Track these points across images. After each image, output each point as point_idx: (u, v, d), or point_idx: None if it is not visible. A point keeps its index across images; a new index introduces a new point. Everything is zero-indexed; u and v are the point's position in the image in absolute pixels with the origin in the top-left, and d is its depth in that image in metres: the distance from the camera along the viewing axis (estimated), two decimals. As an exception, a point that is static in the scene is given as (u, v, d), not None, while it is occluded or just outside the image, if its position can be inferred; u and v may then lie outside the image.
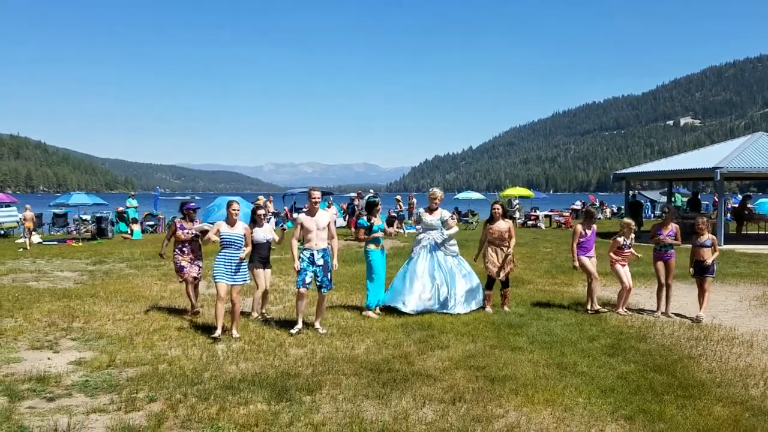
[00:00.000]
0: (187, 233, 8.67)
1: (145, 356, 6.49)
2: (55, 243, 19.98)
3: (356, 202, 25.23)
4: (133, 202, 25.82)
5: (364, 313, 8.58)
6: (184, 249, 8.69)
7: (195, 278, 8.71)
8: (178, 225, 8.72)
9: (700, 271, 8.60)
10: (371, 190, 31.63)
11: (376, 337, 7.29)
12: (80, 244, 19.67)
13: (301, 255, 7.58)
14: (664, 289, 8.77)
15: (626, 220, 9.18)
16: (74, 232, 22.58)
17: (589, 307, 8.85)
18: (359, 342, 7.09)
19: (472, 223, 27.77)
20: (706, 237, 8.64)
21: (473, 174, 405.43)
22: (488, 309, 8.85)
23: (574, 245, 8.93)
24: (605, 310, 8.84)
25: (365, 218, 8.84)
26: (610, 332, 7.66)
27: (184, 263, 8.65)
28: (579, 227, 9.02)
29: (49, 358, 6.44)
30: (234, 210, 7.49)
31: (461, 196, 37.45)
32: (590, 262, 8.91)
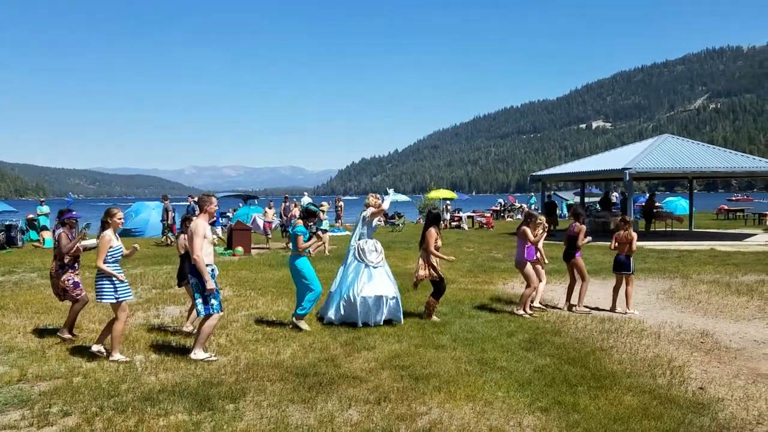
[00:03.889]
0: (80, 246, 7.66)
1: (59, 369, 6.20)
2: (-43, 254, 18.70)
3: (286, 204, 24.88)
4: (45, 209, 24.53)
5: (296, 320, 7.89)
6: (76, 264, 7.63)
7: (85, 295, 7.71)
8: (70, 238, 7.52)
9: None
10: (305, 193, 31.25)
11: (302, 342, 7.26)
12: (-15, 254, 18.51)
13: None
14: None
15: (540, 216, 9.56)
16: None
17: (525, 310, 8.82)
18: (285, 347, 7.05)
19: (398, 225, 28.04)
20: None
21: (399, 176, 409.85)
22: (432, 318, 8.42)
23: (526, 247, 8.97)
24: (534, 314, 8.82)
25: (303, 225, 8.07)
26: (527, 327, 7.96)
27: (76, 279, 7.59)
28: (528, 229, 9.05)
29: (-48, 376, 6.06)
30: (120, 219, 6.80)
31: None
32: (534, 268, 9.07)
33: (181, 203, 24.12)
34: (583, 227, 9.24)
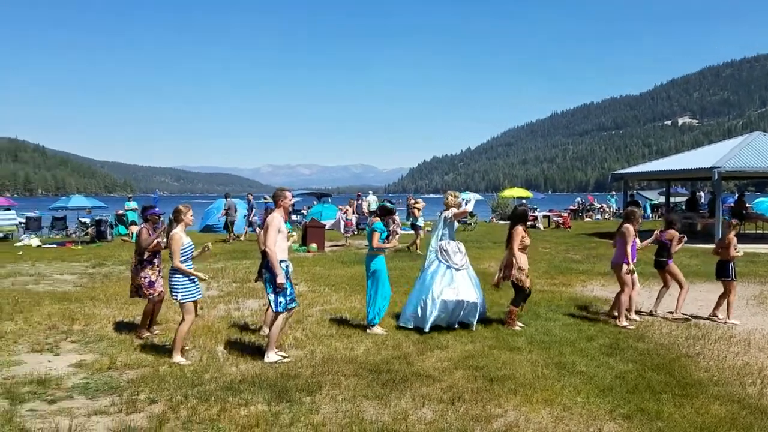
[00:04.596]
0: (161, 243, 7.66)
1: (146, 358, 6.51)
2: (54, 246, 19.97)
3: (358, 202, 25.14)
4: (132, 205, 25.83)
5: (369, 330, 7.65)
6: (155, 261, 7.69)
7: (162, 292, 7.70)
8: (151, 233, 7.61)
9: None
10: (370, 192, 31.54)
11: (375, 338, 7.32)
12: (79, 247, 19.68)
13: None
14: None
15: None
16: (74, 235, 22.58)
17: (623, 320, 8.14)
18: (358, 343, 7.12)
19: (470, 224, 27.75)
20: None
21: (471, 175, 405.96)
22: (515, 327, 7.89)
23: (629, 248, 8.14)
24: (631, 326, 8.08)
25: (381, 222, 7.88)
26: (609, 332, 7.70)
27: (154, 277, 7.61)
28: (631, 227, 8.22)
29: (49, 361, 6.46)
30: (191, 217, 6.73)
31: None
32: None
33: (242, 200, 24.64)
34: (677, 234, 8.67)
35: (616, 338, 7.37)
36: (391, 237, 7.95)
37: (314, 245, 18.04)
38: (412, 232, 18.53)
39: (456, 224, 8.26)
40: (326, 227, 20.15)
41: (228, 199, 22.05)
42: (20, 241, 21.26)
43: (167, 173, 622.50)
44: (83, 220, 22.79)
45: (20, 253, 17.85)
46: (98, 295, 10.31)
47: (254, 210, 22.42)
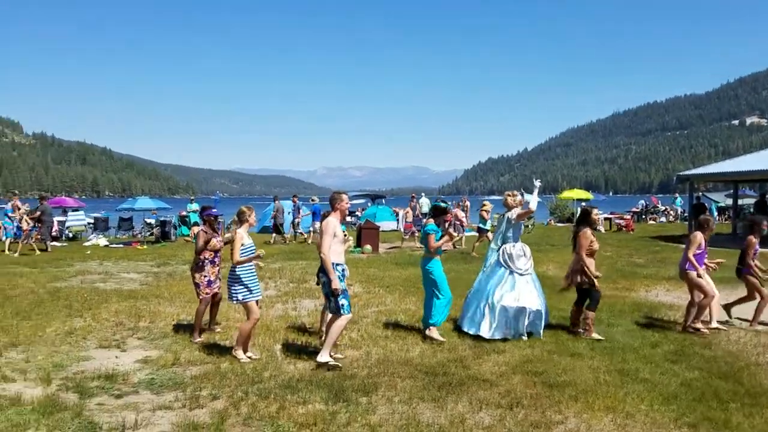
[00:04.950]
0: (220, 242, 7.80)
1: (208, 355, 6.68)
2: (121, 246, 20.74)
3: (412, 203, 25.07)
4: (194, 206, 26.59)
5: (428, 332, 7.40)
6: (215, 260, 7.78)
7: (218, 293, 7.85)
8: (210, 234, 7.73)
9: None
10: (422, 194, 31.47)
11: (430, 341, 7.27)
12: (145, 246, 20.36)
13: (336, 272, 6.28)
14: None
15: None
16: (139, 236, 23.40)
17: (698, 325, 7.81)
18: (414, 345, 7.10)
19: (528, 226, 27.29)
20: None
21: (528, 176, 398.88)
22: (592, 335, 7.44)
23: (690, 255, 7.78)
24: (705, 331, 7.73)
25: (434, 223, 7.60)
26: (674, 339, 7.42)
27: (212, 277, 7.70)
28: (700, 235, 7.84)
29: (116, 357, 6.71)
30: (254, 219, 6.83)
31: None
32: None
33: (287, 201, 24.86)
34: (753, 241, 8.13)
35: (682, 345, 7.10)
36: (446, 237, 7.69)
37: (369, 247, 18.13)
38: (465, 234, 18.22)
39: (522, 226, 7.89)
40: (391, 229, 20.00)
41: (276, 202, 22.41)
42: (88, 240, 22.16)
43: (226, 176, 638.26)
44: (148, 220, 23.60)
45: (88, 252, 18.60)
46: (163, 294, 10.64)
47: (300, 211, 22.76)
